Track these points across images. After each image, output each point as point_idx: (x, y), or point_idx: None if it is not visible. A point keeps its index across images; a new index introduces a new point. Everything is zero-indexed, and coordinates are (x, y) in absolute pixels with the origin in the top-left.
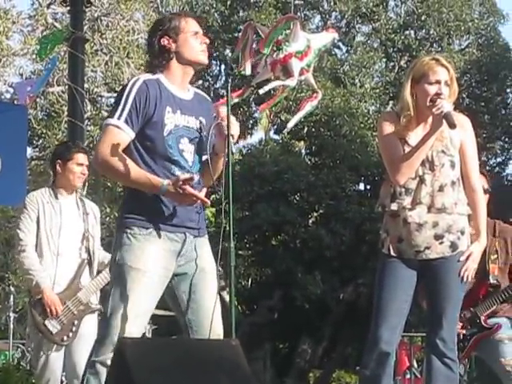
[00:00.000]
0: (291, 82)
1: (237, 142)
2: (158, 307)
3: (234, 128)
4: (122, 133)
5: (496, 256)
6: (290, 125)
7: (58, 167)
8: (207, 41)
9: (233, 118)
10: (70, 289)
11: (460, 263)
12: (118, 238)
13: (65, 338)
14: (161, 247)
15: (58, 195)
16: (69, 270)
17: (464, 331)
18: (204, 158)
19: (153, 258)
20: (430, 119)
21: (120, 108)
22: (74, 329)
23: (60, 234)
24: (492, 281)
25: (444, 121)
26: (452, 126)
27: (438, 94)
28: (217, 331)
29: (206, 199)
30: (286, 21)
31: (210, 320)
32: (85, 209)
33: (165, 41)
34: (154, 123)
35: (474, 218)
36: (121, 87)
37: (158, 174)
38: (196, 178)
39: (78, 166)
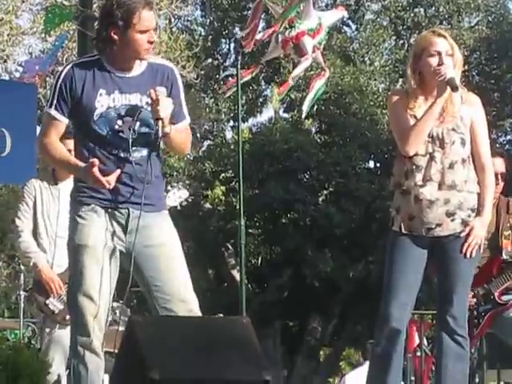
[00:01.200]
0: (307, 62)
1: (163, 124)
2: None
3: (163, 110)
4: (54, 120)
5: (509, 232)
6: (305, 107)
7: None
8: (154, 39)
9: (166, 100)
10: None
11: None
12: (70, 217)
13: (67, 316)
14: (104, 222)
15: (58, 181)
16: None
17: (477, 306)
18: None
19: (97, 232)
20: (434, 92)
21: (51, 96)
22: None
23: (58, 218)
24: (505, 256)
25: (448, 88)
26: (454, 89)
27: (440, 65)
28: (188, 306)
29: (103, 182)
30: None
31: (178, 295)
32: None
33: (112, 31)
34: (84, 107)
35: (482, 194)
36: None
37: (99, 156)
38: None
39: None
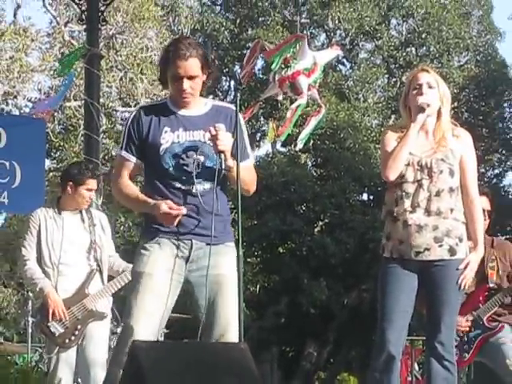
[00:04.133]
0: (302, 100)
1: (225, 157)
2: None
3: (223, 143)
4: (125, 161)
5: (494, 264)
6: (299, 140)
7: (68, 188)
8: (185, 87)
9: (226, 134)
10: (76, 295)
11: (458, 270)
12: (136, 249)
13: (67, 340)
14: (166, 252)
15: (62, 211)
16: (76, 279)
17: (468, 330)
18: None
19: (157, 261)
20: (426, 125)
21: (122, 138)
22: (76, 333)
23: (62, 247)
24: (491, 285)
25: (425, 115)
26: (421, 110)
27: (418, 94)
28: (228, 339)
29: (172, 215)
30: (294, 39)
31: (221, 330)
32: (92, 220)
33: (164, 71)
34: (150, 145)
35: (472, 228)
36: None
37: (163, 190)
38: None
39: (88, 191)
